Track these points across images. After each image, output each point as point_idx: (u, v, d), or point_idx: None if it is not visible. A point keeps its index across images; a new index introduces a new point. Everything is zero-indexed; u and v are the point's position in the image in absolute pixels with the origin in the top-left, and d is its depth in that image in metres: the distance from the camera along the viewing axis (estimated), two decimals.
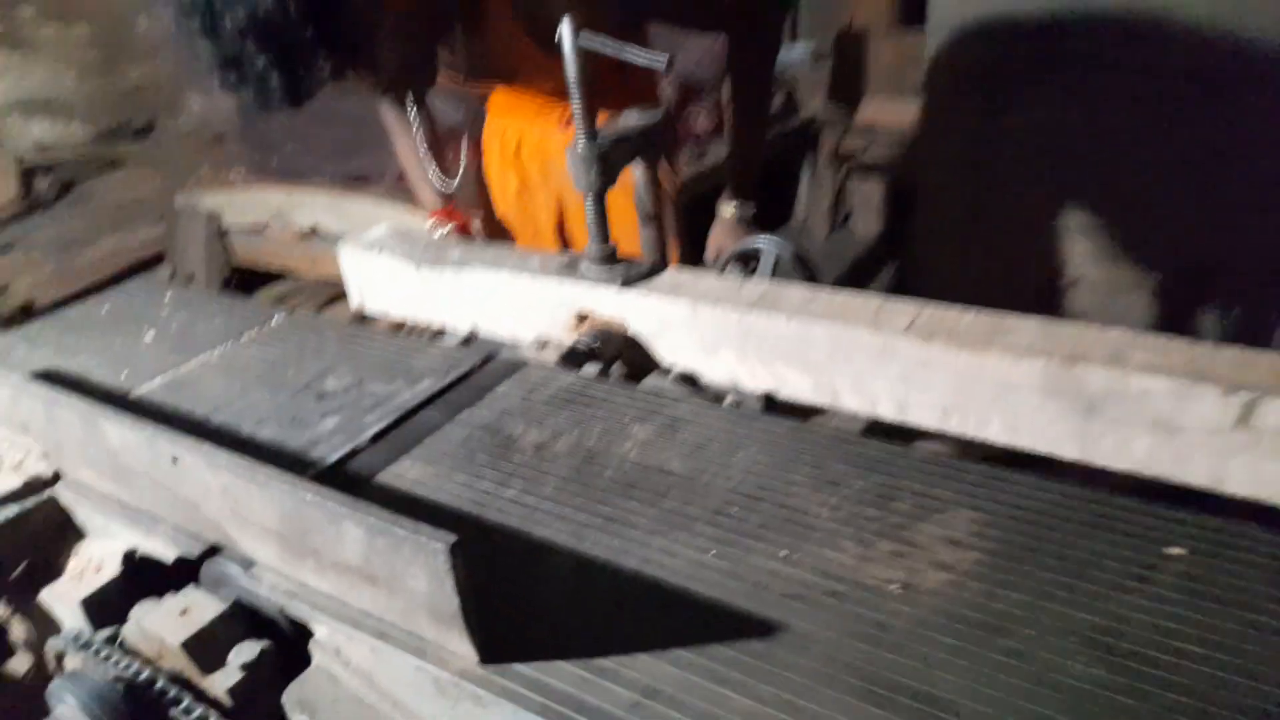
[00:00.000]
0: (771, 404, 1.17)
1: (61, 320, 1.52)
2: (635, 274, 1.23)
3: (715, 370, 1.17)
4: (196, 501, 0.87)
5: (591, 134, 1.20)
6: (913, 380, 1.03)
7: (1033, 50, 3.06)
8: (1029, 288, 3.27)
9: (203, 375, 1.26)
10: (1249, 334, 2.70)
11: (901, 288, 3.48)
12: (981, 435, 1.02)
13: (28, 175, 5.30)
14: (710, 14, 1.66)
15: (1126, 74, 2.94)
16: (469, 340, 1.35)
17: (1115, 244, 3.12)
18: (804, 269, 1.47)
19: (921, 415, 1.05)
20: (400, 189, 3.80)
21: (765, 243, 1.51)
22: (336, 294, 3.89)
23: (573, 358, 1.18)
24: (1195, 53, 2.84)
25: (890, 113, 4.23)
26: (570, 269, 1.27)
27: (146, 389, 1.25)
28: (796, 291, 1.15)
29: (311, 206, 3.99)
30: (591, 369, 1.17)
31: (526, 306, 1.30)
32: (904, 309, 1.07)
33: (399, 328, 1.53)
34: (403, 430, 1.08)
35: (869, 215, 4.72)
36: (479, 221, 1.94)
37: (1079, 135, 3.08)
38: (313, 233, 3.98)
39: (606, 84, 1.57)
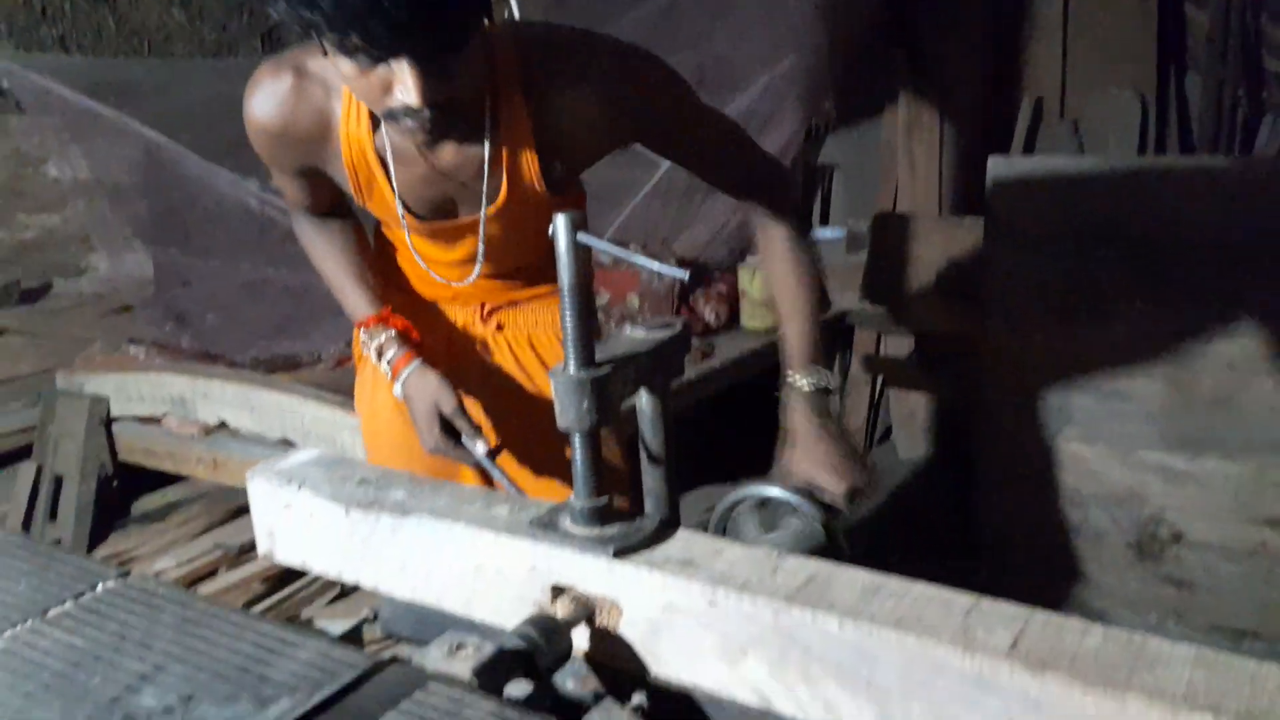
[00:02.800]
0: None
1: None
2: (634, 539, 0.95)
3: (738, 686, 0.89)
4: None
5: (587, 356, 0.96)
6: None
7: (1123, 262, 2.78)
8: (1115, 542, 2.90)
9: None
10: None
11: (959, 533, 3.10)
12: None
13: None
14: (741, 174, 1.60)
15: (1228, 297, 2.69)
16: (356, 633, 1.09)
17: (1226, 495, 2.74)
18: (834, 551, 1.19)
19: None
20: (337, 375, 3.30)
21: (782, 495, 1.22)
22: (240, 507, 3.40)
23: (494, 669, 0.88)
24: None
25: (939, 315, 3.68)
26: (548, 526, 1.00)
27: None
28: (854, 578, 0.89)
29: (219, 397, 3.37)
30: (519, 689, 0.88)
31: (486, 573, 1.03)
32: (1003, 617, 0.82)
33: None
34: None
35: (913, 435, 4.18)
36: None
37: (1175, 361, 2.77)
38: (220, 428, 3.42)
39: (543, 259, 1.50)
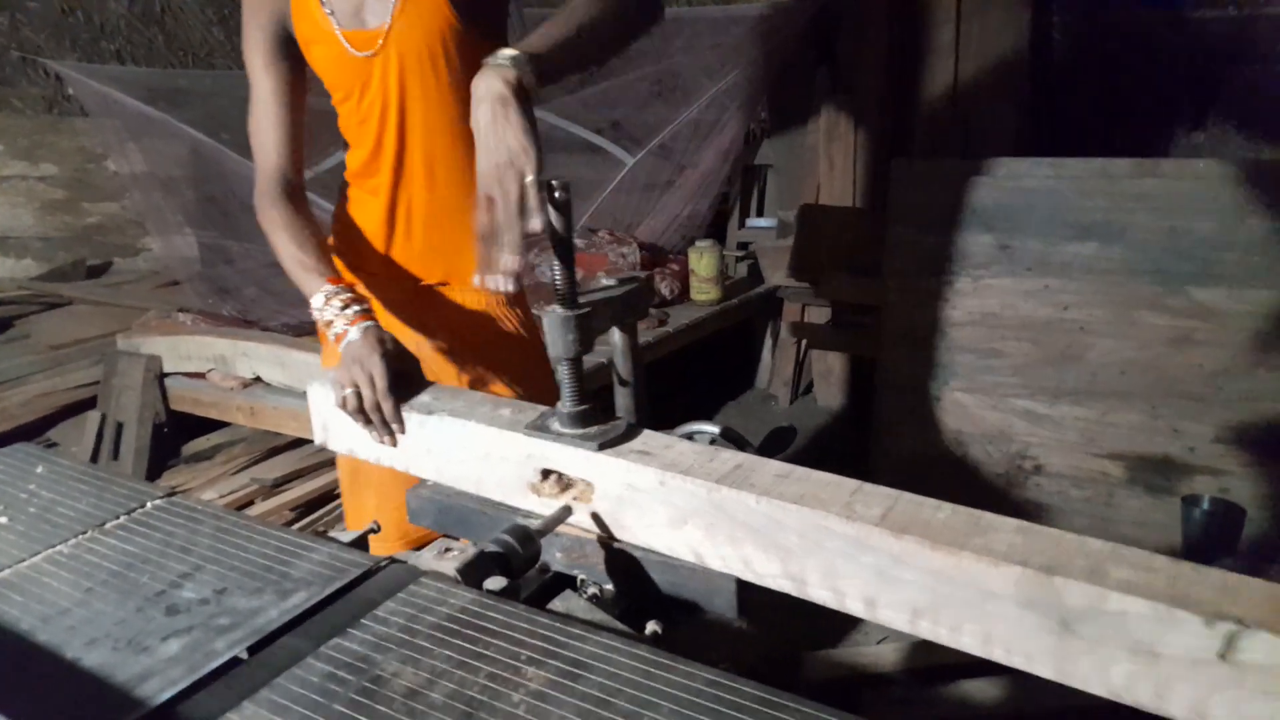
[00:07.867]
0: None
1: None
2: (608, 436, 1.03)
3: (680, 547, 0.98)
4: None
5: (572, 299, 1.02)
6: (885, 576, 0.85)
7: (991, 243, 2.94)
8: (989, 472, 3.03)
9: (45, 573, 0.99)
10: (1218, 526, 2.53)
11: (865, 461, 3.22)
12: (953, 642, 0.84)
13: None
14: None
15: (1079, 271, 2.84)
16: (362, 541, 1.16)
17: (1076, 434, 2.88)
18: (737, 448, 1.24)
19: (891, 615, 0.86)
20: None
21: (700, 427, 1.27)
22: (275, 446, 3.48)
23: (475, 568, 0.93)
24: (1145, 251, 2.77)
25: (850, 289, 3.79)
26: (542, 427, 1.07)
27: None
28: (770, 467, 0.96)
29: (256, 356, 3.45)
30: (495, 584, 0.94)
31: (493, 459, 1.11)
32: (879, 497, 0.90)
33: None
34: (255, 662, 0.83)
35: (830, 387, 4.33)
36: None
37: (1037, 325, 2.91)
38: (255, 381, 3.47)
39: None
